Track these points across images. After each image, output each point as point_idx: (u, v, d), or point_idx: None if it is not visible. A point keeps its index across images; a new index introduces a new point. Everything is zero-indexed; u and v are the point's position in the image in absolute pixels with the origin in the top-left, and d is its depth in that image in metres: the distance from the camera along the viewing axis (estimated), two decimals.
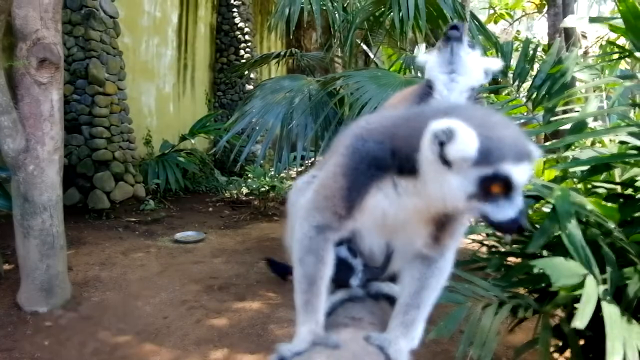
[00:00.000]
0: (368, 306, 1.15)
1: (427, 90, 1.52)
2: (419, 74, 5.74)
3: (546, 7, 8.14)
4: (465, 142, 0.81)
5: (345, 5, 6.30)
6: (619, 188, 2.97)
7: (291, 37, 8.77)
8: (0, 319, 4.11)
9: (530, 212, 2.94)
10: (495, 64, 1.53)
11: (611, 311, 1.91)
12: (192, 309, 4.44)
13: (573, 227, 2.21)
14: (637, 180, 2.90)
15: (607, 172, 3.00)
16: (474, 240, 3.53)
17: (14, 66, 4.25)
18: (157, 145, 9.30)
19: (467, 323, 2.65)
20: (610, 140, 3.33)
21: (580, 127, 2.92)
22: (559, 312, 2.77)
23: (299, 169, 9.68)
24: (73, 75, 7.35)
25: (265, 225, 7.52)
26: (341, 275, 1.11)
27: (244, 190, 8.88)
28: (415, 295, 1.02)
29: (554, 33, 6.12)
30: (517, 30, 15.89)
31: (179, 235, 6.60)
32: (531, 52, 3.42)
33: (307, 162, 7.94)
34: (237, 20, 11.40)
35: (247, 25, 11.55)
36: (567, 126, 3.05)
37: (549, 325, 2.42)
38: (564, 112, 3.45)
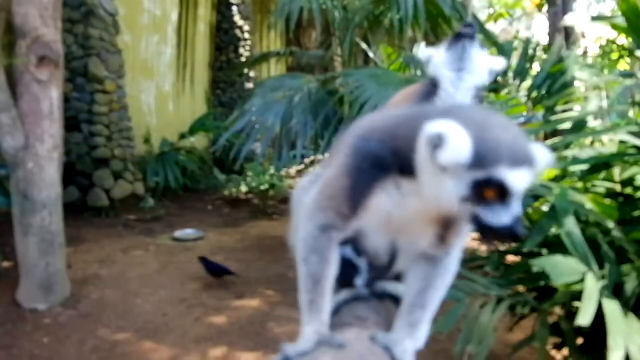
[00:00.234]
0: (373, 306, 1.14)
1: (432, 89, 1.52)
2: (419, 73, 5.74)
3: (546, 6, 8.14)
4: (457, 147, 0.80)
5: (345, 4, 6.30)
6: (618, 187, 2.98)
7: (291, 35, 8.79)
8: None
9: (529, 210, 2.94)
10: (499, 63, 1.52)
11: (612, 307, 1.92)
12: (191, 306, 4.45)
13: (572, 225, 2.22)
14: (636, 180, 2.90)
15: (606, 171, 3.00)
16: (473, 239, 3.53)
17: (13, 64, 4.24)
18: (156, 143, 9.29)
19: (465, 320, 2.66)
20: (610, 140, 3.33)
21: (580, 126, 2.93)
22: (558, 310, 2.78)
23: (299, 168, 9.69)
24: (73, 73, 7.33)
25: (265, 223, 7.52)
26: (346, 275, 1.10)
27: (244, 188, 8.87)
28: (420, 295, 1.02)
29: (554, 32, 6.12)
30: (517, 30, 15.89)
31: (178, 234, 6.60)
32: (531, 51, 3.42)
33: (306, 160, 7.95)
34: (236, 18, 11.38)
35: (246, 23, 11.54)
36: (567, 125, 3.05)
37: (547, 322, 2.42)
38: (564, 111, 3.46)
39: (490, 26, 13.74)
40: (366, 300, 1.15)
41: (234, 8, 11.35)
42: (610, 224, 2.46)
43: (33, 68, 4.14)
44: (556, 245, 2.63)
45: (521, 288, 2.87)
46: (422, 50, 1.57)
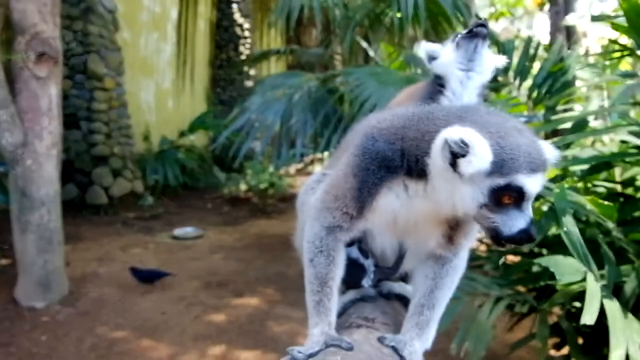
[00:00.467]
0: (380, 306, 1.14)
1: (436, 87, 1.50)
2: (419, 71, 5.73)
3: (547, 5, 8.12)
4: (480, 156, 0.79)
5: (345, 2, 6.28)
6: (619, 187, 2.97)
7: (291, 33, 8.76)
8: None
9: None
10: (501, 60, 1.51)
11: (612, 307, 1.92)
12: (190, 305, 4.44)
13: (571, 225, 2.22)
14: (637, 180, 2.89)
15: (607, 171, 2.99)
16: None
17: (12, 60, 4.22)
18: (155, 141, 9.27)
19: (464, 319, 2.65)
20: (611, 139, 3.32)
21: (580, 125, 2.91)
22: (557, 310, 2.77)
23: (298, 166, 9.68)
24: (72, 70, 7.32)
25: (264, 222, 7.52)
26: (353, 276, 1.09)
27: (243, 187, 8.86)
28: (429, 295, 1.01)
29: (555, 31, 6.11)
30: (518, 29, 15.88)
31: (177, 232, 6.59)
32: (532, 50, 3.40)
33: (306, 159, 7.94)
34: (236, 16, 11.35)
35: (246, 21, 11.51)
36: (568, 125, 3.04)
37: (547, 321, 2.42)
38: (565, 110, 3.44)
39: (491, 25, 13.74)
40: (373, 300, 1.14)
41: (234, 5, 11.32)
42: (610, 225, 2.46)
43: (32, 64, 4.13)
44: (555, 245, 2.62)
45: (520, 288, 2.87)
46: (425, 46, 1.55)
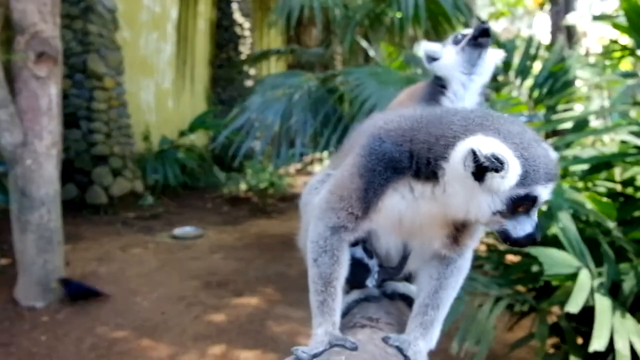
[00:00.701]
0: (384, 306, 1.13)
1: (437, 88, 1.50)
2: (419, 71, 5.73)
3: (548, 4, 8.12)
4: (512, 175, 0.81)
5: (345, 2, 6.28)
6: (619, 187, 2.97)
7: (291, 33, 8.76)
8: None
9: None
10: (499, 55, 1.52)
11: (602, 302, 1.95)
12: (190, 304, 4.44)
13: (567, 221, 2.23)
14: (636, 180, 2.89)
15: (607, 171, 2.99)
16: None
17: (12, 60, 4.22)
18: (155, 140, 9.27)
19: (464, 319, 2.65)
20: (611, 139, 3.32)
21: (581, 125, 2.91)
22: (556, 310, 2.77)
23: (298, 166, 9.68)
24: (71, 69, 7.31)
25: (264, 222, 7.51)
26: (357, 276, 1.09)
27: (243, 186, 8.86)
28: (434, 295, 1.01)
29: (555, 31, 6.10)
30: (519, 28, 15.88)
31: (177, 231, 6.59)
32: (533, 50, 3.40)
33: (306, 158, 7.94)
34: (236, 16, 11.35)
35: (247, 21, 11.51)
36: (568, 124, 3.04)
37: (546, 321, 2.42)
38: (565, 110, 3.44)
39: (492, 24, 13.73)
40: (377, 300, 1.14)
41: (234, 5, 11.32)
42: (610, 224, 2.46)
43: (31, 64, 4.12)
44: (555, 245, 2.62)
45: (520, 287, 2.87)
46: (425, 47, 1.55)
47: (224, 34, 11.40)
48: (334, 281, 0.98)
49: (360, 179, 0.94)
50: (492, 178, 0.81)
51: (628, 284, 2.20)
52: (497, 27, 14.68)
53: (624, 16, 2.63)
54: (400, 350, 0.95)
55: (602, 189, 3.01)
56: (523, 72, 3.34)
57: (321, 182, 1.10)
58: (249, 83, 11.19)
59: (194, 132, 9.60)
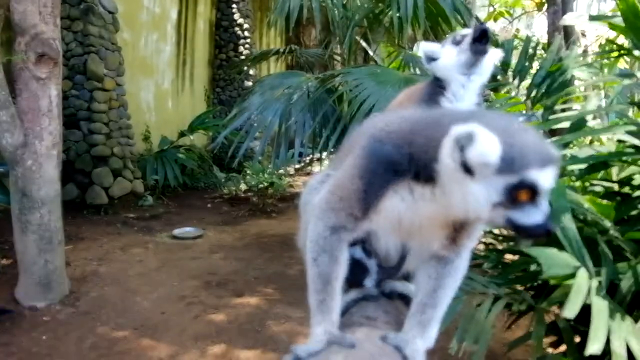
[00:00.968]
0: (382, 305, 1.14)
1: (436, 89, 1.52)
2: (418, 71, 5.74)
3: (546, 5, 8.14)
4: (486, 145, 0.79)
5: (344, 2, 6.29)
6: (616, 186, 2.98)
7: (290, 33, 8.77)
8: None
9: None
10: (498, 55, 1.53)
11: (599, 303, 1.95)
12: (190, 304, 4.45)
13: (568, 221, 2.23)
14: (634, 179, 2.91)
15: (604, 171, 3.00)
16: None
17: (12, 61, 4.23)
18: (155, 141, 9.29)
19: (462, 318, 2.66)
20: (608, 139, 3.34)
21: (578, 125, 2.92)
22: (555, 309, 2.78)
23: (297, 166, 9.69)
24: (71, 70, 7.33)
25: (264, 222, 7.53)
26: (356, 276, 1.10)
27: (243, 186, 8.88)
28: (432, 295, 1.02)
29: (553, 31, 6.11)
30: (517, 29, 15.89)
31: (177, 231, 6.60)
32: (531, 50, 3.42)
33: (305, 158, 7.95)
34: (236, 16, 11.36)
35: (246, 21, 11.52)
36: (566, 124, 3.06)
37: (543, 320, 2.43)
38: (563, 110, 3.46)
39: (490, 25, 13.73)
40: (375, 299, 1.15)
41: (234, 5, 11.33)
42: (608, 223, 2.47)
43: (32, 65, 4.14)
44: (554, 244, 2.64)
45: (519, 286, 2.88)
46: (424, 47, 1.57)
47: (223, 35, 11.42)
48: (333, 281, 0.99)
49: (360, 180, 0.95)
50: (469, 155, 0.80)
51: (625, 283, 2.21)
52: (496, 27, 14.68)
53: (621, 17, 2.65)
54: (398, 348, 0.96)
55: (599, 188, 3.02)
56: (521, 72, 3.35)
57: (321, 183, 1.10)
58: (248, 83, 11.20)
59: (193, 132, 9.61)
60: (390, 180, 0.93)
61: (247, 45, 11.46)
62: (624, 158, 2.80)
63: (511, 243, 2.91)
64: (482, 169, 0.81)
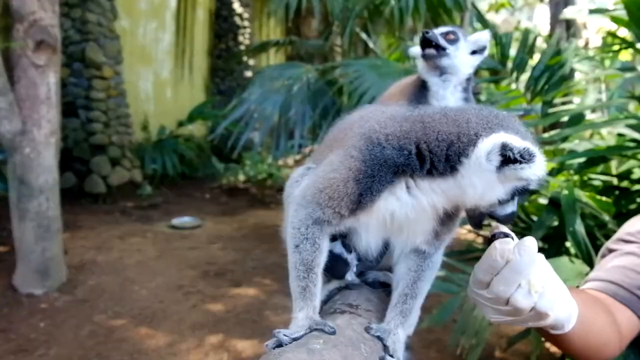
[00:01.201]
0: (365, 294, 1.16)
1: (424, 85, 1.53)
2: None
3: None
4: (542, 167, 0.87)
5: None
6: (615, 180, 2.99)
7: (290, 24, 8.73)
8: None
9: (526, 203, 2.95)
10: (484, 37, 1.53)
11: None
12: (188, 294, 4.46)
13: (577, 224, 2.24)
14: (633, 173, 2.91)
15: (603, 165, 3.00)
16: (469, 231, 3.54)
17: (10, 48, 4.21)
18: (154, 130, 9.27)
19: (460, 312, 2.67)
20: (609, 133, 3.34)
21: (578, 119, 2.92)
22: None
23: (297, 157, 9.68)
24: (70, 58, 7.29)
25: (263, 212, 7.53)
26: (336, 270, 1.13)
27: (241, 177, 8.87)
28: (412, 286, 1.07)
29: (554, 23, 6.09)
30: (518, 20, 15.81)
31: (175, 221, 6.61)
32: (531, 42, 3.40)
33: (304, 150, 7.94)
34: (236, 6, 11.29)
35: (246, 11, 11.45)
36: (566, 118, 3.05)
37: None
38: (563, 103, 3.45)
39: (491, 16, 13.67)
40: (358, 287, 1.17)
41: None
42: (606, 217, 2.48)
43: (30, 52, 4.11)
44: (554, 238, 2.64)
45: None
46: (412, 49, 1.59)
47: (223, 24, 11.35)
48: (315, 267, 1.02)
49: (356, 184, 0.95)
50: (515, 170, 0.86)
51: None
52: (497, 19, 14.61)
53: (625, 10, 2.64)
54: (380, 339, 1.00)
55: (597, 182, 3.03)
56: (520, 64, 3.34)
57: (302, 176, 1.12)
58: (248, 74, 11.16)
59: (192, 122, 9.59)
60: (389, 181, 0.95)
61: (246, 35, 11.39)
62: (623, 152, 2.80)
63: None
64: (516, 178, 0.88)
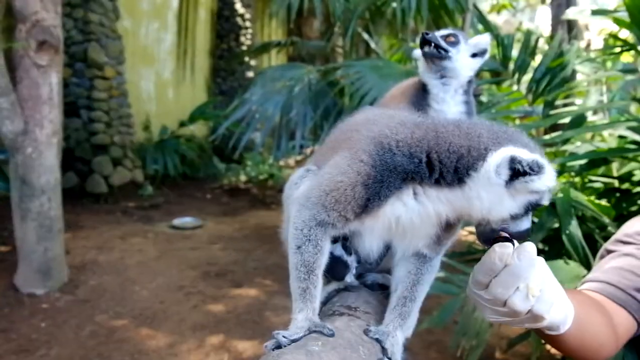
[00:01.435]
0: (363, 296, 1.16)
1: (422, 92, 1.53)
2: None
3: None
4: (552, 178, 0.88)
5: None
6: (616, 182, 2.98)
7: (292, 25, 8.73)
8: None
9: None
10: (484, 40, 1.52)
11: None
12: (189, 294, 4.47)
13: (573, 227, 2.24)
14: (634, 175, 2.91)
15: (605, 167, 3.00)
16: (470, 232, 3.54)
17: (13, 48, 4.22)
18: (156, 130, 9.28)
19: (460, 314, 2.67)
20: (610, 135, 3.33)
21: (579, 120, 2.92)
22: None
23: (298, 158, 9.69)
24: (72, 58, 7.30)
25: (264, 213, 7.54)
26: (335, 272, 1.13)
27: (243, 177, 8.88)
28: (411, 289, 1.07)
29: (556, 24, 6.08)
30: (520, 22, 15.80)
31: (176, 221, 6.61)
32: (532, 44, 3.40)
33: (305, 150, 7.94)
34: (237, 6, 11.30)
35: (247, 11, 11.46)
36: (567, 119, 3.05)
37: None
38: (565, 105, 3.45)
39: (493, 17, 13.66)
40: (357, 289, 1.17)
41: None
42: (606, 220, 2.47)
43: (33, 52, 4.12)
44: (554, 241, 2.64)
45: None
46: (415, 52, 1.59)
47: (224, 25, 11.36)
48: (316, 269, 1.02)
49: (364, 188, 0.95)
50: (525, 182, 0.87)
51: None
52: (499, 20, 14.61)
53: (627, 11, 2.64)
54: (379, 342, 1.00)
55: (598, 184, 3.02)
56: (521, 66, 3.34)
57: (301, 178, 1.11)
58: (249, 74, 11.16)
59: (194, 122, 9.60)
60: (398, 187, 0.95)
61: (248, 36, 11.40)
62: (625, 154, 2.79)
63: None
64: (527, 190, 0.88)
